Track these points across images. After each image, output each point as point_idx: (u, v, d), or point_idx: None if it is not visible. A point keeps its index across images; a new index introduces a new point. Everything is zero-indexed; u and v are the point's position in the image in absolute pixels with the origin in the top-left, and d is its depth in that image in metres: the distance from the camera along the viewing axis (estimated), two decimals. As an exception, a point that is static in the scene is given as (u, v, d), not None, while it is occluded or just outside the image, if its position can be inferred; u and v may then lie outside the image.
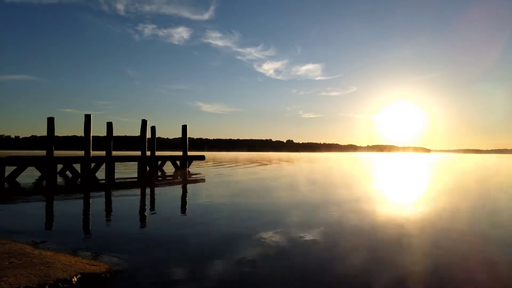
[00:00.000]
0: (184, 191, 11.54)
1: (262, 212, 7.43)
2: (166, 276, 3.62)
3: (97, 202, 9.25)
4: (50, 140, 17.41)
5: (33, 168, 18.09)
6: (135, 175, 18.41)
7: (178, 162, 23.19)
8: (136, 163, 21.74)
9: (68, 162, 17.57)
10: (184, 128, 23.72)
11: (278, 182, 15.20)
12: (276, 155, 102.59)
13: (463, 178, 18.60)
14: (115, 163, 19.14)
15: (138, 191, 11.45)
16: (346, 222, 6.37)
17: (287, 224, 6.18)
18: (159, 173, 19.57)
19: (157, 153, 23.71)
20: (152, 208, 8.25)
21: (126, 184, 13.77)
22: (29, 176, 16.48)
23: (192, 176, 17.47)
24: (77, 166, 18.15)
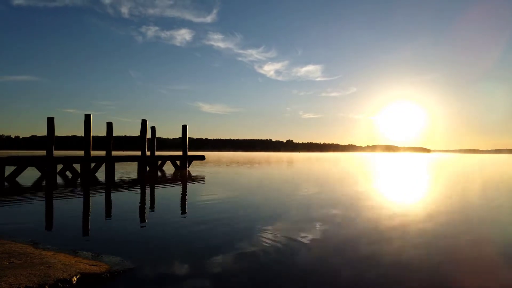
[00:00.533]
0: (184, 191, 11.54)
1: (262, 212, 7.43)
2: (166, 276, 3.62)
3: (97, 202, 9.26)
4: (50, 140, 17.41)
5: (33, 168, 18.09)
6: (135, 175, 18.41)
7: (178, 162, 23.19)
8: (136, 163, 21.76)
9: (68, 162, 17.57)
10: (184, 128, 23.72)
11: (278, 182, 15.20)
12: (276, 155, 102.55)
13: (473, 178, 18.60)
14: (115, 163, 19.14)
15: (138, 191, 11.45)
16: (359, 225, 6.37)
17: (287, 223, 6.17)
18: (159, 173, 19.57)
19: (157, 153, 23.72)
20: (152, 208, 8.25)
21: (126, 184, 13.77)
22: (29, 176, 16.48)
23: (192, 176, 17.48)
24: (77, 166, 18.16)
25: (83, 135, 18.85)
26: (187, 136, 23.87)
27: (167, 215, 7.17)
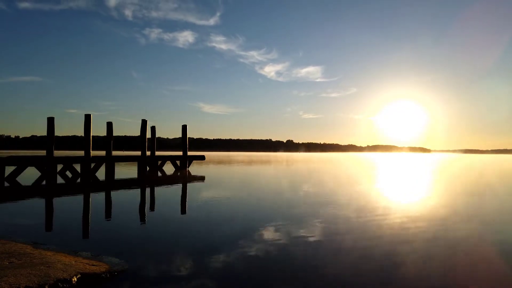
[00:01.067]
0: (184, 191, 11.54)
1: (262, 212, 7.43)
2: (166, 276, 3.62)
3: (97, 202, 9.26)
4: (50, 140, 17.41)
5: (33, 168, 18.09)
6: (135, 175, 18.41)
7: (178, 162, 23.18)
8: (136, 163, 21.75)
9: (68, 162, 17.56)
10: (184, 128, 23.71)
11: (277, 182, 15.20)
12: (275, 155, 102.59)
13: (475, 179, 18.59)
14: (115, 163, 19.14)
15: (138, 191, 11.46)
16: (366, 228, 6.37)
17: (287, 223, 6.17)
18: (159, 173, 19.57)
19: (157, 153, 23.71)
20: (152, 207, 8.25)
21: (126, 184, 13.77)
22: (29, 176, 16.48)
23: (192, 176, 17.47)
24: (77, 166, 18.15)
25: (83, 135, 18.84)
26: (187, 136, 23.86)
27: (167, 215, 7.17)
